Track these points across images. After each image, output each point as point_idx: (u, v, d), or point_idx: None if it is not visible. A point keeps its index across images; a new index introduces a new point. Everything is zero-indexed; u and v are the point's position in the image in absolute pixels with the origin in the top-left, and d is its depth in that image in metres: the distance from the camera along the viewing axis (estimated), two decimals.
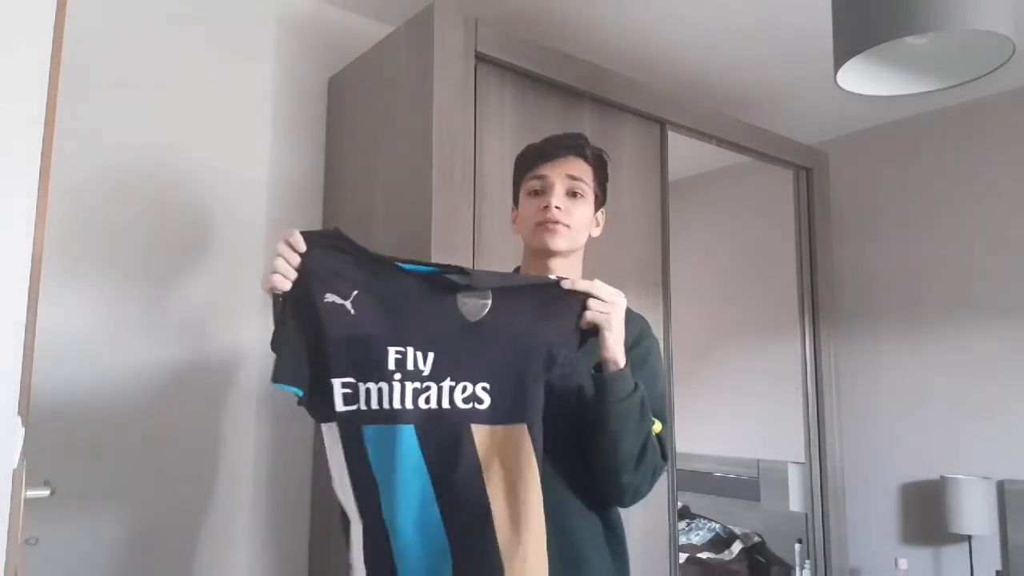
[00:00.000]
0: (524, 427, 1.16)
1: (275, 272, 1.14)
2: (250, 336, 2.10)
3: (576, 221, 1.34)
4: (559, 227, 1.32)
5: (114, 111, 1.95)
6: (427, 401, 1.16)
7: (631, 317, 1.39)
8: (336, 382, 1.15)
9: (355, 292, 1.17)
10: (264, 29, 2.25)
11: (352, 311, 1.17)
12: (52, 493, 1.67)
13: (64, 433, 1.80)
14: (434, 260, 1.79)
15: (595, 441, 1.21)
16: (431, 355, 1.17)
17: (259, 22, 2.24)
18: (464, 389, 1.17)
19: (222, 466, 2.04)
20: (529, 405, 1.17)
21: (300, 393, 1.16)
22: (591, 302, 1.20)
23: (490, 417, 1.17)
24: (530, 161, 1.37)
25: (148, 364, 1.94)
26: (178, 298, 2.01)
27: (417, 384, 1.16)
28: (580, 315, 1.21)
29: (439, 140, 1.84)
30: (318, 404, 1.17)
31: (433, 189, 1.82)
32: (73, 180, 1.86)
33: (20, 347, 0.87)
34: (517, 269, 1.46)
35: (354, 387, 1.15)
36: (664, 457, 1.27)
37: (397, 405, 1.15)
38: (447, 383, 1.17)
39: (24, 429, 0.93)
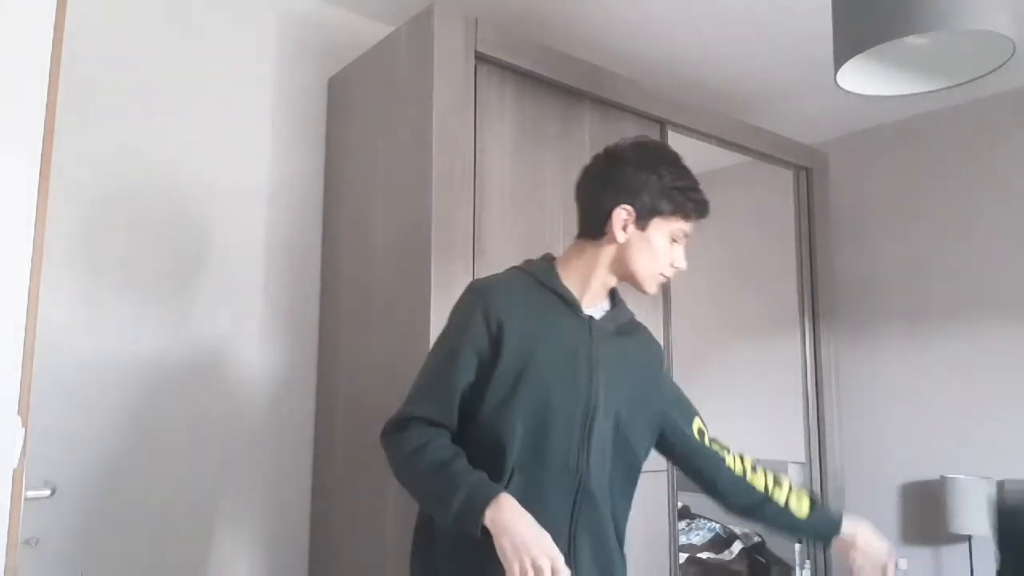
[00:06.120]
0: None
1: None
2: (250, 334, 2.10)
3: None
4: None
5: (114, 111, 1.95)
6: None
7: (648, 336, 1.48)
8: None
9: None
10: (264, 29, 2.25)
11: None
12: (52, 493, 1.67)
13: (64, 433, 1.80)
14: (434, 260, 1.79)
15: None
16: None
17: (259, 22, 2.24)
18: None
19: (222, 466, 2.04)
20: None
21: None
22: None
23: None
24: (692, 208, 1.33)
25: (149, 364, 1.94)
26: (179, 297, 2.01)
27: None
28: None
29: (439, 140, 1.84)
30: None
31: (433, 189, 1.82)
32: (73, 181, 1.86)
33: (20, 347, 0.87)
34: (555, 261, 1.37)
35: None
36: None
37: None
38: None
39: (24, 429, 0.93)
